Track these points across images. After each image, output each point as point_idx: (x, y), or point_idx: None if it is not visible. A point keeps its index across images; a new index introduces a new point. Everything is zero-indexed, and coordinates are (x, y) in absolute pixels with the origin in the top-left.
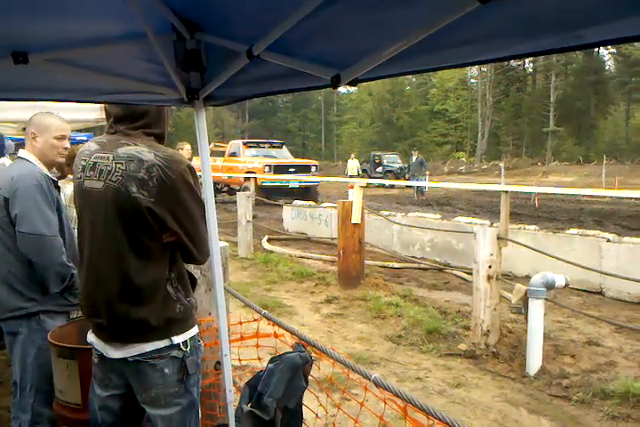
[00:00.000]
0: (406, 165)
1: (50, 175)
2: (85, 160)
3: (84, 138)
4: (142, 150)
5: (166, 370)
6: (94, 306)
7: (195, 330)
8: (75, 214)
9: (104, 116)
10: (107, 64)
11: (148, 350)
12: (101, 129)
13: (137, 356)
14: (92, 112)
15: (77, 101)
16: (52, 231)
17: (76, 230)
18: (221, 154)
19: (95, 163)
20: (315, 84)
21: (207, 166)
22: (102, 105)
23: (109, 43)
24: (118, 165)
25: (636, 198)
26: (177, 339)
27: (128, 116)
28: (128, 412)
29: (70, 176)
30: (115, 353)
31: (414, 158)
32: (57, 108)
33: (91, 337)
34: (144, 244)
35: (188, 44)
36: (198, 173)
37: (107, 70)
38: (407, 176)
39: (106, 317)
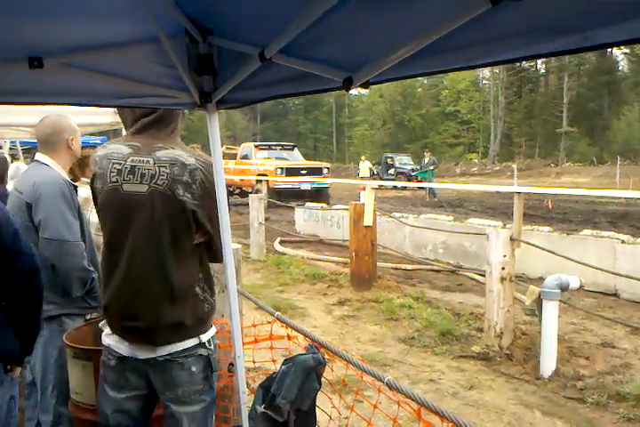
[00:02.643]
0: (418, 167)
1: (69, 180)
2: (120, 164)
3: (98, 141)
4: (182, 154)
5: (194, 368)
6: (133, 309)
7: (214, 329)
8: (91, 218)
9: (118, 120)
10: (120, 68)
11: (178, 349)
12: (115, 132)
13: (167, 355)
14: (107, 115)
15: (92, 105)
16: (75, 237)
17: (93, 234)
18: (233, 156)
19: (134, 166)
20: (327, 86)
21: (220, 169)
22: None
23: (123, 47)
24: (162, 169)
25: None
26: (204, 337)
27: (160, 119)
28: (144, 412)
29: (84, 179)
30: (143, 354)
31: (426, 160)
32: (72, 111)
33: (109, 340)
34: (183, 246)
35: (200, 48)
36: None
37: (120, 74)
38: (419, 178)
39: (145, 319)
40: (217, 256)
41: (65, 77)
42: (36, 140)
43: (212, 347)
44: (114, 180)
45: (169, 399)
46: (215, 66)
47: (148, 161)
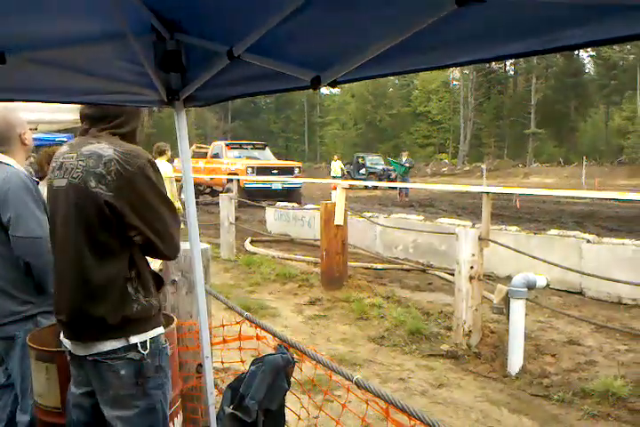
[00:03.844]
0: (391, 168)
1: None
2: (56, 162)
3: (64, 139)
4: (102, 147)
5: (122, 371)
6: (58, 303)
7: (156, 332)
8: None
9: None
10: (86, 64)
11: (105, 349)
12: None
13: (95, 355)
14: (71, 113)
15: (57, 102)
16: (46, 232)
17: None
18: (204, 155)
19: (62, 163)
20: (295, 85)
21: (188, 168)
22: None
23: (89, 43)
24: (80, 162)
25: (615, 200)
26: (134, 339)
27: (101, 117)
28: (99, 410)
29: None
30: (77, 351)
31: (404, 159)
32: (36, 108)
33: (61, 335)
34: (102, 240)
35: (168, 45)
36: (178, 174)
37: (86, 71)
38: (393, 175)
39: (66, 314)
40: (157, 252)
41: (29, 73)
42: None
43: (146, 351)
44: (49, 177)
45: (102, 402)
46: (183, 63)
47: (72, 156)
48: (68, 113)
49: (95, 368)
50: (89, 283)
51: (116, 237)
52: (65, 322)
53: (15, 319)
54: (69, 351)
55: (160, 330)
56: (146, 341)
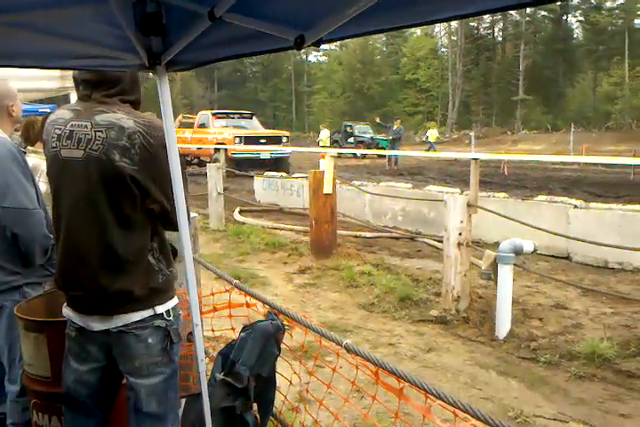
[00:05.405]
0: (377, 136)
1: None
2: (60, 129)
3: (48, 109)
4: (121, 117)
5: (150, 340)
6: (75, 279)
7: (176, 300)
8: (40, 186)
9: (66, 85)
10: (65, 28)
11: (132, 320)
12: (64, 99)
13: (121, 327)
14: (53, 80)
15: (35, 67)
16: (34, 204)
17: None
18: (190, 126)
19: (72, 131)
20: (279, 45)
21: (172, 136)
22: (67, 73)
23: (67, 5)
24: (98, 133)
25: (602, 165)
26: (160, 308)
27: (103, 82)
28: (105, 384)
29: (30, 148)
30: (97, 325)
31: (395, 127)
32: (18, 76)
33: (67, 311)
34: (127, 214)
35: (147, 7)
36: None
37: (65, 35)
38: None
39: (89, 289)
40: (172, 223)
41: (5, 38)
42: None
43: (171, 318)
44: (54, 145)
45: (127, 371)
46: (164, 26)
47: (85, 125)
48: (50, 81)
49: (120, 340)
50: (116, 257)
51: (139, 209)
52: (88, 297)
53: (2, 289)
54: (78, 328)
55: (177, 299)
56: (169, 309)
